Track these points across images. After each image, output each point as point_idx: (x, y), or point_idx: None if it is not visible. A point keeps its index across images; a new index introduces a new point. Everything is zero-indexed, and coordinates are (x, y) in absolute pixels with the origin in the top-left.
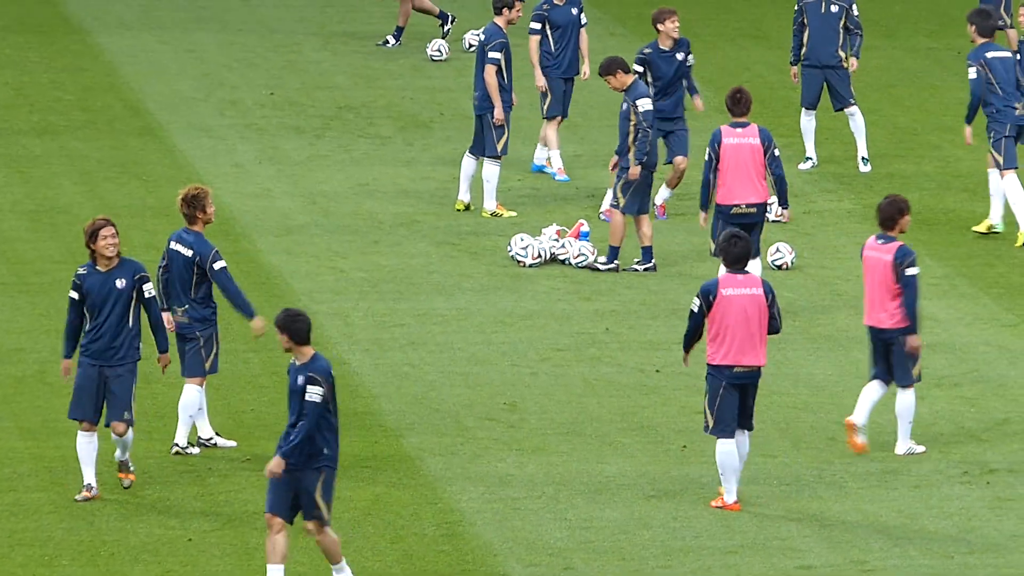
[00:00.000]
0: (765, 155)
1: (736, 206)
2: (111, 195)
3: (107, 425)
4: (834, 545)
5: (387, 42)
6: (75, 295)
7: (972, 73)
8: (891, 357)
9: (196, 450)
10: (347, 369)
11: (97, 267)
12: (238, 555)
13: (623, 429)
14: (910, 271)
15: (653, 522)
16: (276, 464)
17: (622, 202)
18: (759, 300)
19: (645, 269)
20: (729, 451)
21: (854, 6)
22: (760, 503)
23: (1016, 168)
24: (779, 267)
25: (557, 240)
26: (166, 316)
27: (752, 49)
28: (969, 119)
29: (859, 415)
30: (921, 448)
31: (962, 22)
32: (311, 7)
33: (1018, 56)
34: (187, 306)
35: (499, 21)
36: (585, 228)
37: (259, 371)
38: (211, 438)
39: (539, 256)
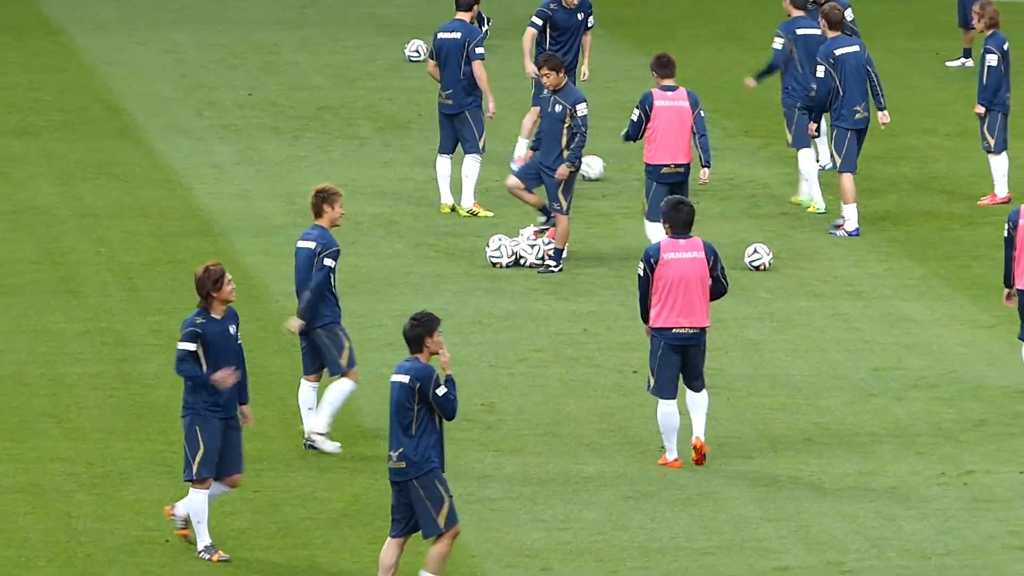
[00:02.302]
0: (692, 116)
1: (667, 166)
2: (89, 196)
3: (219, 478)
4: (811, 546)
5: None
6: (193, 346)
7: (777, 44)
8: None
9: (334, 446)
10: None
11: (213, 314)
12: None
13: (601, 430)
14: None
15: (630, 523)
16: None
17: (564, 205)
18: (700, 264)
19: (552, 271)
20: (669, 412)
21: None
22: (737, 504)
23: (806, 147)
24: (757, 268)
25: (533, 241)
26: (292, 319)
27: (730, 51)
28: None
29: None
30: None
31: (940, 24)
32: (290, 8)
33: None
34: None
35: (466, 17)
36: None
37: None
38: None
39: (512, 255)
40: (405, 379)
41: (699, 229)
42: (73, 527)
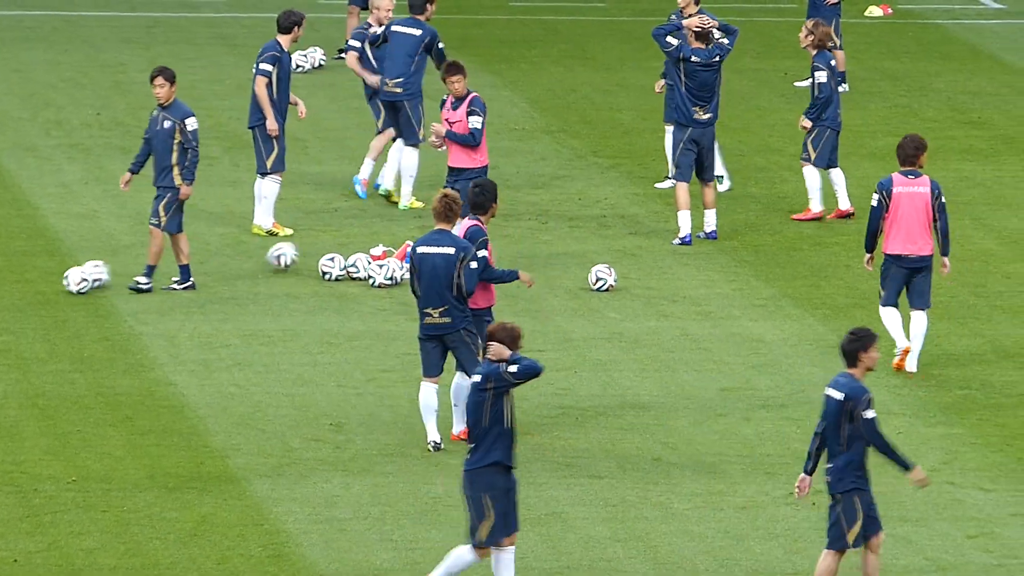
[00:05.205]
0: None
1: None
2: None
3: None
4: (660, 566)
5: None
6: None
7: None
8: (917, 283)
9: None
10: (173, 390)
11: None
12: None
13: (449, 450)
14: (944, 199)
15: None
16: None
17: (164, 221)
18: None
19: (184, 288)
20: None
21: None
22: (586, 524)
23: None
24: (603, 289)
25: (383, 261)
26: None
27: (579, 71)
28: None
29: (902, 339)
30: None
31: (788, 44)
32: (138, 27)
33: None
34: (447, 306)
35: (283, 40)
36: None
37: (84, 391)
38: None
39: (344, 270)
40: (840, 396)
41: (549, 249)
42: None
